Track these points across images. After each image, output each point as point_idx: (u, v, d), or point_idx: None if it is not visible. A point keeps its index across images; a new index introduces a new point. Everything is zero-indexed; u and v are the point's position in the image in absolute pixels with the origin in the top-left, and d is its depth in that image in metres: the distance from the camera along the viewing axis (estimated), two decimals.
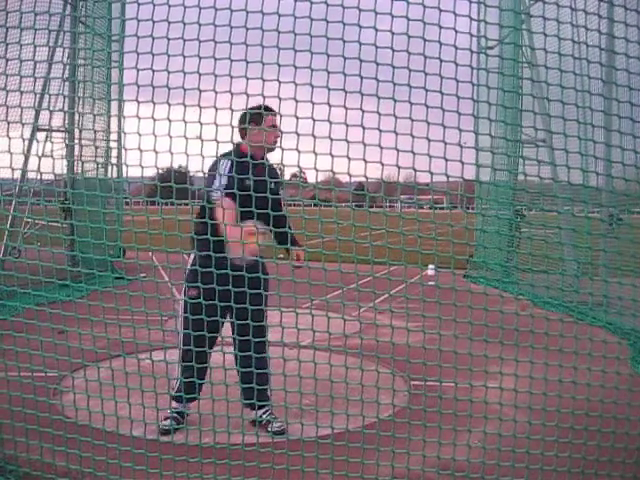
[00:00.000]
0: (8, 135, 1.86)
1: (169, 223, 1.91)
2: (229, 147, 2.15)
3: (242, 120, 2.25)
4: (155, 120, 1.70)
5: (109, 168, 6.51)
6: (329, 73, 1.65)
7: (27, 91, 1.91)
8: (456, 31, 1.64)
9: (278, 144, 2.32)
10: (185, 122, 1.72)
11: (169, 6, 1.67)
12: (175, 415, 2.41)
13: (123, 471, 1.82)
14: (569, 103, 1.78)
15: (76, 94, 5.28)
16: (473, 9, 1.70)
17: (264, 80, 1.66)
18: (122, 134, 2.13)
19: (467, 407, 1.82)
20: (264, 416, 2.42)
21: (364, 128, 1.66)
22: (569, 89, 1.78)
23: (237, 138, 2.32)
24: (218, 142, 1.72)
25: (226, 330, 2.42)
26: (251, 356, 2.00)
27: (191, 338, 2.07)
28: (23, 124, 1.87)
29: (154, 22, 1.67)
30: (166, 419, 2.37)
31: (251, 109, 2.16)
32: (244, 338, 2.09)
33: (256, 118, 2.24)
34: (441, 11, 1.65)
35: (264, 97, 1.66)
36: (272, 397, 2.39)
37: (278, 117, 2.23)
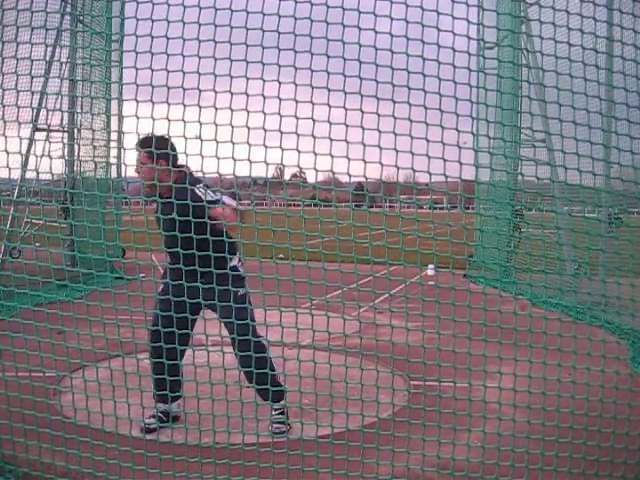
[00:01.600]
0: (5, 134, 1.86)
1: None
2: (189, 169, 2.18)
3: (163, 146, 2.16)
4: (154, 120, 1.71)
5: (108, 168, 6.50)
6: (329, 74, 1.65)
7: (25, 90, 1.91)
8: (454, 34, 1.64)
9: (147, 181, 2.24)
10: (184, 122, 1.72)
11: (168, 5, 1.67)
12: (160, 414, 2.42)
13: (122, 471, 1.82)
14: (566, 105, 1.79)
15: (75, 93, 5.26)
16: (471, 12, 1.71)
17: (264, 80, 1.66)
18: (121, 134, 2.13)
19: (466, 406, 1.82)
20: (274, 414, 2.40)
21: (364, 129, 1.67)
22: (566, 90, 1.78)
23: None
24: (217, 142, 1.72)
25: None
26: (244, 355, 2.10)
27: (160, 335, 2.09)
28: (20, 123, 1.87)
29: (153, 21, 1.67)
30: (151, 417, 2.38)
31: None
32: (231, 337, 2.23)
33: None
34: (439, 14, 1.65)
35: (264, 97, 1.67)
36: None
37: (143, 153, 2.18)
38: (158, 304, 2.36)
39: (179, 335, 2.01)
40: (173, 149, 2.20)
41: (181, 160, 2.31)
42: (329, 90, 1.68)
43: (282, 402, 2.41)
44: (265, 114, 1.70)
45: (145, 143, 2.12)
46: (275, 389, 2.23)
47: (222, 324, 2.31)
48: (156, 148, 1.97)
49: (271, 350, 2.35)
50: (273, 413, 2.40)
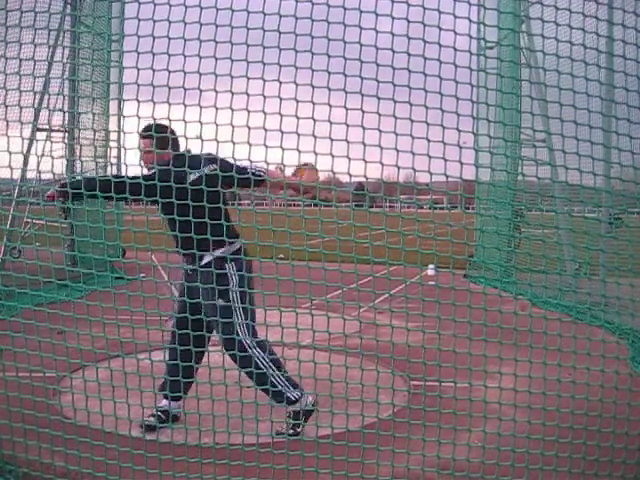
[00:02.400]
0: (7, 134, 1.86)
1: None
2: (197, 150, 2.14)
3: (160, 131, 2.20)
4: (155, 120, 1.71)
5: (108, 168, 6.50)
6: (330, 74, 1.65)
7: (27, 90, 1.91)
8: (455, 33, 1.64)
9: (144, 165, 2.29)
10: (185, 122, 1.72)
11: (170, 5, 1.67)
12: (159, 413, 2.42)
13: (122, 471, 1.81)
14: (566, 104, 1.79)
15: (76, 93, 5.27)
16: (472, 11, 1.71)
17: (265, 80, 1.66)
18: (122, 133, 2.13)
19: (466, 407, 1.82)
20: (286, 415, 2.36)
21: (364, 128, 1.67)
22: (567, 90, 1.78)
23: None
24: (218, 142, 1.72)
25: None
26: (230, 355, 2.14)
27: (175, 336, 2.15)
28: (22, 123, 1.87)
29: (155, 21, 1.68)
30: (150, 416, 2.38)
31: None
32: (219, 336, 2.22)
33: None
34: (441, 13, 1.65)
35: (265, 97, 1.67)
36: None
37: (146, 139, 2.23)
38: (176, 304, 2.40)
39: (187, 335, 2.02)
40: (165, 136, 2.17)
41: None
42: (330, 90, 1.67)
43: (285, 404, 2.32)
44: (266, 114, 1.70)
45: (146, 130, 2.18)
46: (263, 388, 2.21)
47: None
48: (155, 134, 2.00)
49: (267, 351, 2.32)
50: (287, 412, 2.36)
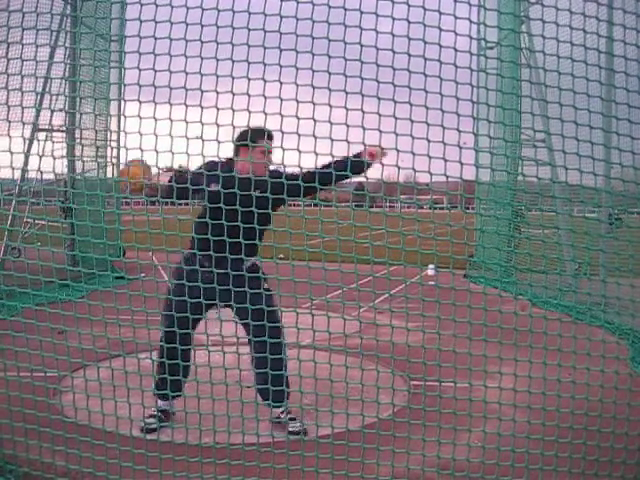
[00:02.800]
0: (9, 134, 1.86)
1: (169, 223, 1.92)
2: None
3: (238, 138, 2.19)
4: (156, 120, 1.71)
5: (109, 168, 6.51)
6: (330, 74, 1.66)
7: (27, 90, 1.92)
8: (456, 33, 1.65)
9: (269, 168, 2.26)
10: (186, 122, 1.72)
11: (172, 7, 1.68)
12: (159, 414, 2.42)
13: (123, 471, 1.82)
14: (567, 104, 1.79)
15: (77, 94, 5.27)
16: (473, 12, 1.71)
17: (265, 81, 1.67)
18: (122, 134, 2.13)
19: (466, 407, 1.83)
20: (282, 416, 2.38)
21: (364, 129, 1.67)
22: (567, 90, 1.79)
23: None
24: (219, 142, 1.73)
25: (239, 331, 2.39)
26: (262, 357, 2.06)
27: (166, 334, 2.14)
28: (24, 124, 1.88)
29: (156, 22, 1.68)
30: (150, 417, 2.38)
31: (252, 130, 2.09)
32: (258, 339, 2.16)
33: (246, 146, 2.21)
34: (441, 14, 1.66)
35: (266, 97, 1.67)
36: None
37: (273, 141, 2.23)
38: (173, 304, 2.26)
39: (189, 335, 2.02)
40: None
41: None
42: (330, 90, 1.68)
43: (286, 402, 2.38)
44: (266, 114, 1.70)
45: (270, 134, 2.21)
46: (287, 390, 2.24)
47: (242, 324, 2.22)
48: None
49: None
50: (282, 414, 2.37)
